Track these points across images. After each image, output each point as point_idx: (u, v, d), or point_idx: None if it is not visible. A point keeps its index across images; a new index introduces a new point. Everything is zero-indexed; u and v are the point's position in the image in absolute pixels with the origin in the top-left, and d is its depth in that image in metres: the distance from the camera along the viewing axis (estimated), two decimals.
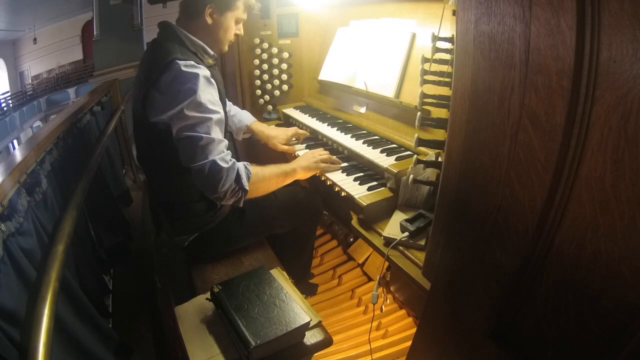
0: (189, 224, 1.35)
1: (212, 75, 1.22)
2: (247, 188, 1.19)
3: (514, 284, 0.70)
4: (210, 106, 1.14)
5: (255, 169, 1.26)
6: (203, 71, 1.15)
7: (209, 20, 1.22)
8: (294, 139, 1.74)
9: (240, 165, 1.21)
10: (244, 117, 1.73)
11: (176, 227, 1.37)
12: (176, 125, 1.13)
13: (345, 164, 1.49)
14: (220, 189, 1.14)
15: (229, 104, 1.71)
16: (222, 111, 1.20)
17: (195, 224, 1.34)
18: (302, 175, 1.40)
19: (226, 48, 1.33)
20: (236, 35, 1.32)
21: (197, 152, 1.13)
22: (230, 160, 1.18)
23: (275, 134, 1.71)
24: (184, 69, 1.11)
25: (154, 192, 1.47)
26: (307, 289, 1.88)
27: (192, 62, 1.14)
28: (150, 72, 1.14)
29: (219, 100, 1.21)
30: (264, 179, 1.28)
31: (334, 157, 1.48)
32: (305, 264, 1.84)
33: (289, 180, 1.38)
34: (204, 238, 1.38)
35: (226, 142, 1.20)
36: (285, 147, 1.68)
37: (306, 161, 1.41)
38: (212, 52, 1.29)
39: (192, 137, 1.12)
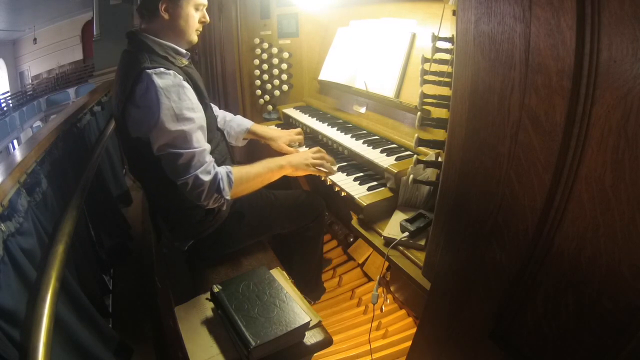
0: (187, 230, 1.34)
1: (188, 76, 1.20)
2: (227, 197, 1.21)
3: (514, 284, 0.70)
4: (188, 114, 1.12)
5: (239, 173, 1.24)
6: (174, 77, 1.13)
7: (166, 16, 1.18)
8: (295, 142, 1.70)
9: (223, 173, 1.20)
10: (242, 121, 1.70)
11: (175, 233, 1.37)
12: (156, 142, 1.12)
13: (343, 164, 1.49)
14: (203, 199, 1.18)
15: (222, 111, 1.70)
16: (201, 114, 1.18)
17: (194, 230, 1.34)
18: (291, 173, 1.38)
19: (195, 38, 1.28)
20: (202, 22, 1.28)
21: (180, 168, 1.13)
22: (213, 169, 1.18)
23: (278, 135, 1.68)
24: (154, 78, 1.09)
25: (150, 202, 1.46)
26: (314, 294, 1.86)
27: (162, 69, 1.11)
28: (124, 84, 1.13)
29: (197, 102, 1.18)
30: (248, 180, 1.27)
31: (328, 162, 1.41)
32: (314, 271, 1.80)
33: (276, 176, 1.36)
34: (204, 242, 1.38)
35: (208, 147, 1.19)
36: (289, 149, 1.65)
37: (297, 160, 1.38)
38: (183, 51, 1.26)
39: (173, 154, 1.12)
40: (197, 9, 1.23)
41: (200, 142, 1.17)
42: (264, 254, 1.49)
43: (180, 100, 1.12)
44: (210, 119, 1.29)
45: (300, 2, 2.02)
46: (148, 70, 1.10)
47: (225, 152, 1.42)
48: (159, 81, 1.09)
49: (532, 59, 0.59)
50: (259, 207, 1.44)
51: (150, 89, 1.08)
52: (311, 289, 1.79)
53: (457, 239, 0.84)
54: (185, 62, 1.25)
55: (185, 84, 1.16)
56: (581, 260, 0.59)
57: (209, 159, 1.19)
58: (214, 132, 1.34)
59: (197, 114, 1.17)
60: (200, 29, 1.29)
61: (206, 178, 1.15)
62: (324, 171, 1.39)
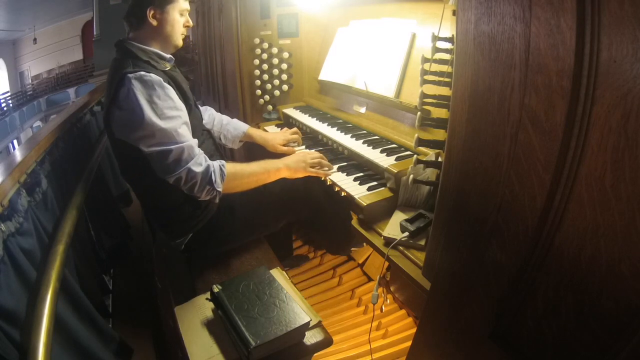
0: (179, 227, 1.35)
1: (171, 79, 1.24)
2: (219, 189, 1.24)
3: (514, 284, 0.70)
4: (170, 113, 1.16)
5: (233, 169, 1.28)
6: (153, 79, 1.16)
7: (154, 22, 1.25)
8: (293, 142, 1.72)
9: (216, 165, 1.23)
10: (238, 124, 1.74)
11: (168, 233, 1.38)
12: (144, 142, 1.15)
13: (343, 164, 1.49)
14: (196, 191, 1.21)
15: (218, 114, 1.73)
16: (184, 112, 1.22)
17: (186, 226, 1.34)
18: (288, 175, 1.40)
19: (180, 41, 1.35)
20: (186, 27, 1.35)
21: (171, 164, 1.16)
22: (205, 161, 1.21)
23: (273, 137, 1.72)
24: (134, 82, 1.13)
25: (143, 204, 1.48)
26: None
27: (143, 73, 1.15)
28: (109, 89, 1.19)
29: (179, 101, 1.22)
30: (242, 176, 1.31)
31: (326, 162, 1.44)
32: (340, 232, 1.57)
33: (272, 178, 1.38)
34: (199, 238, 1.38)
35: (195, 141, 1.22)
36: (285, 149, 1.67)
37: (295, 162, 1.40)
38: (167, 56, 1.31)
39: (162, 152, 1.15)
40: (181, 15, 1.31)
41: (187, 136, 1.20)
42: (264, 253, 1.49)
43: (161, 101, 1.16)
44: (196, 120, 1.32)
45: (300, 2, 2.03)
46: (129, 75, 1.14)
47: (212, 150, 1.44)
48: (138, 85, 1.14)
49: (532, 59, 0.59)
50: (249, 200, 1.44)
51: (131, 91, 1.13)
52: (342, 246, 1.76)
53: (457, 239, 0.84)
54: (168, 66, 1.31)
55: (166, 84, 1.20)
56: (581, 260, 0.59)
57: (199, 151, 1.22)
58: (199, 132, 1.36)
59: (180, 112, 1.21)
60: (185, 33, 1.36)
61: (198, 169, 1.19)
62: (322, 172, 1.41)
